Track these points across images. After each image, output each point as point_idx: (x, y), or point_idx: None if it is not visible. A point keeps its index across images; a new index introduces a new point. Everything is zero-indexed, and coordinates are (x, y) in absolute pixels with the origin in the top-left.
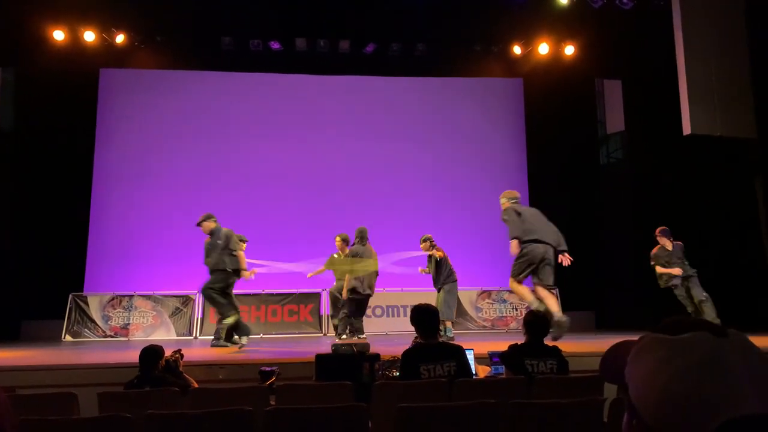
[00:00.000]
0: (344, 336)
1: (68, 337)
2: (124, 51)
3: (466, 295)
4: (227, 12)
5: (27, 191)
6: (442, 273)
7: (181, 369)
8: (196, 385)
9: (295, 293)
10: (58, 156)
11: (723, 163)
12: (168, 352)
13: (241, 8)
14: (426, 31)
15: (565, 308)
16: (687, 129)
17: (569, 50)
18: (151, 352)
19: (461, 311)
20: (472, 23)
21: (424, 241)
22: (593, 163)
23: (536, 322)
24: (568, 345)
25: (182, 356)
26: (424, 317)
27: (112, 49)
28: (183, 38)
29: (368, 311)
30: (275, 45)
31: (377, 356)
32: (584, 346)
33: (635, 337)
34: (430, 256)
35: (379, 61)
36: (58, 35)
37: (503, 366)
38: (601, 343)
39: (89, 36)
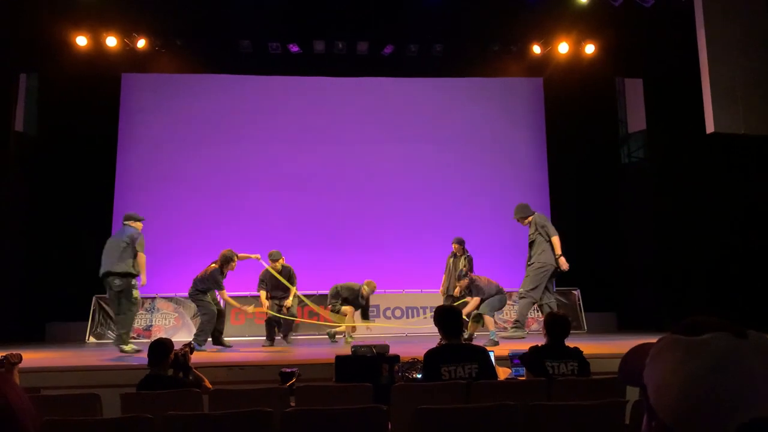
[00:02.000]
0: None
1: (92, 339)
2: (145, 55)
3: None
4: (245, 15)
5: (51, 194)
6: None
7: (189, 364)
8: (207, 382)
9: (315, 295)
10: (81, 160)
11: (746, 162)
12: (177, 347)
13: (259, 11)
14: (444, 31)
15: (586, 309)
16: (710, 127)
17: (589, 49)
18: (160, 346)
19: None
20: (490, 23)
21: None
22: (614, 163)
23: (557, 323)
24: (590, 346)
25: (192, 350)
26: (445, 318)
27: (133, 54)
28: (202, 42)
29: (387, 312)
30: (294, 48)
31: (397, 358)
32: (606, 348)
33: (657, 339)
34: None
35: (397, 62)
36: (81, 41)
37: (523, 368)
38: (623, 345)
39: (111, 41)
